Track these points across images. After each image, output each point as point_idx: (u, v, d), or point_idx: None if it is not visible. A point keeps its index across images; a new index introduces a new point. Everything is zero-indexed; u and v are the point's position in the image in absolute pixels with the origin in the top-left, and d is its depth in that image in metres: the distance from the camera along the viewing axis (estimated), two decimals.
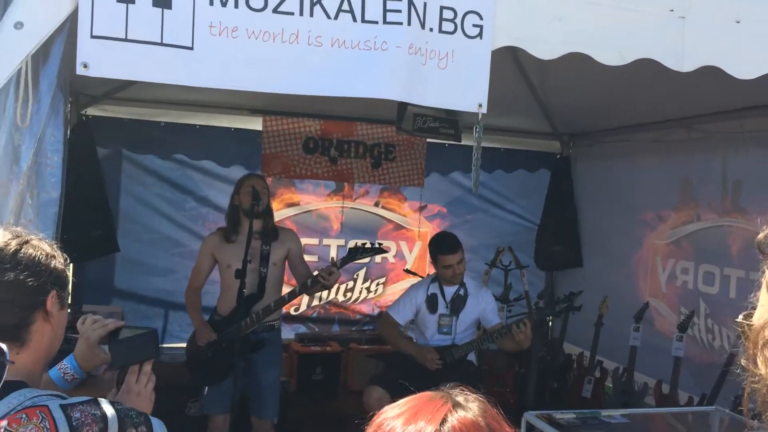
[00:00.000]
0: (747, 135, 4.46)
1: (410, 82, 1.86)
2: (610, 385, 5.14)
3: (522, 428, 3.03)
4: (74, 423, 1.22)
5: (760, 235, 0.89)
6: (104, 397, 1.36)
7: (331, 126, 5.70)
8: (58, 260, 1.40)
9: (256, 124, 5.52)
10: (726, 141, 4.64)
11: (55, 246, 1.42)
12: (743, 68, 2.17)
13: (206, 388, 3.76)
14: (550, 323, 6.18)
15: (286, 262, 3.92)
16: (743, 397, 0.88)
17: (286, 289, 3.95)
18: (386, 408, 0.88)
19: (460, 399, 0.86)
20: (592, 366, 5.26)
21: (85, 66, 1.72)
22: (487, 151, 6.15)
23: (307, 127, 5.63)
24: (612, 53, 2.09)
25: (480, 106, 1.96)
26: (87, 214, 4.99)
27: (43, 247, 1.38)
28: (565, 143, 6.33)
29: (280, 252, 3.82)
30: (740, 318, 0.90)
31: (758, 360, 0.84)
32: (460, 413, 0.82)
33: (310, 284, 3.65)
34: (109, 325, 1.61)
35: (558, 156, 6.38)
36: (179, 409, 4.84)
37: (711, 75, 2.23)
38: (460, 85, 1.91)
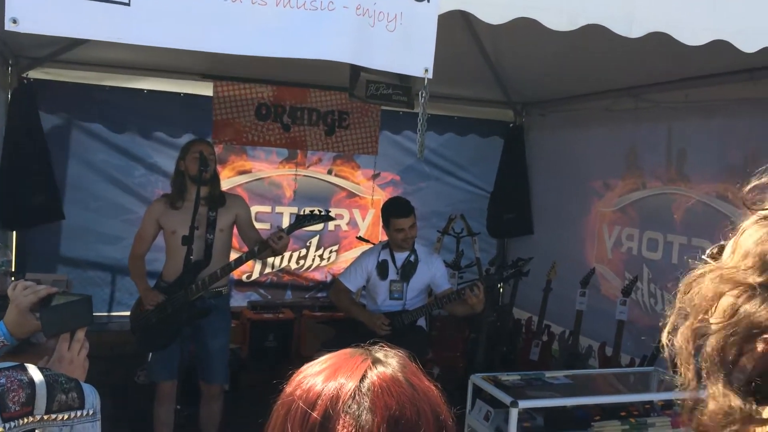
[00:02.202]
0: (691, 105, 4.56)
1: (359, 45, 1.83)
2: (557, 348, 5.29)
3: (469, 390, 3.10)
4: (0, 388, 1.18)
5: (748, 186, 0.82)
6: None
7: (284, 92, 5.61)
8: None
9: (206, 89, 5.40)
10: (671, 110, 4.74)
11: None
12: (691, 35, 2.20)
13: (150, 354, 3.72)
14: (501, 289, 6.29)
15: (235, 229, 3.88)
16: (662, 343, 0.87)
17: (234, 256, 3.91)
18: (306, 365, 0.89)
19: (380, 355, 0.86)
20: (539, 330, 5.40)
21: (15, 21, 1.64)
22: (440, 118, 6.25)
23: (259, 93, 5.53)
24: (561, 18, 2.09)
25: (426, 70, 1.94)
26: (28, 181, 4.84)
27: None
28: (518, 112, 6.38)
29: (227, 218, 3.77)
30: (706, 254, 0.85)
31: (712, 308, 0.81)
32: (380, 369, 0.83)
33: (258, 250, 3.63)
34: (41, 291, 1.57)
35: (511, 125, 6.44)
36: (128, 377, 4.80)
37: (659, 44, 2.26)
38: (408, 48, 1.89)
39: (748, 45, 2.22)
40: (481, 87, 5.82)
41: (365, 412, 0.78)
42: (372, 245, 4.35)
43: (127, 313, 3.97)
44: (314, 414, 0.80)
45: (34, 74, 5.00)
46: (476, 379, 3.08)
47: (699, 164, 4.59)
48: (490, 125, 6.43)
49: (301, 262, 6.09)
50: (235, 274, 5.67)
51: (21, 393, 1.20)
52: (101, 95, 5.25)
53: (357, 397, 0.80)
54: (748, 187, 0.81)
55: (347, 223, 6.16)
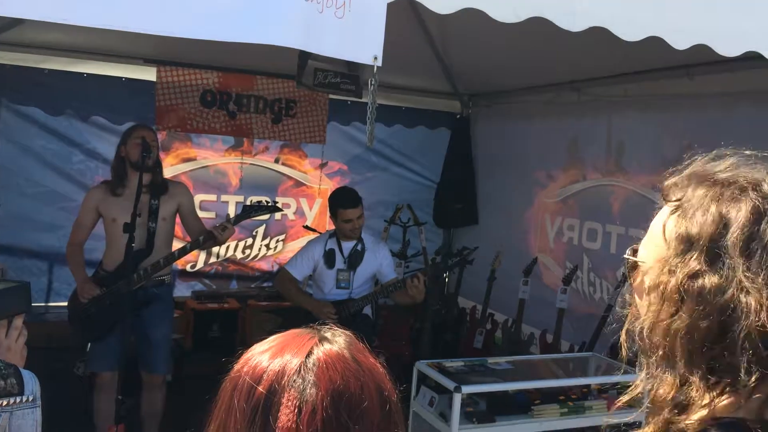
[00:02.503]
0: (630, 99, 4.72)
1: (306, 31, 1.82)
2: (500, 336, 5.40)
3: (414, 377, 3.14)
4: None
5: (668, 180, 0.94)
6: None
7: (229, 79, 5.53)
8: None
9: (150, 74, 5.27)
10: (611, 104, 4.89)
11: None
12: (629, 31, 2.27)
13: (89, 344, 3.63)
14: (446, 279, 6.38)
15: (178, 218, 3.81)
16: (621, 339, 0.94)
17: (178, 244, 3.85)
18: (255, 345, 0.90)
19: (327, 334, 0.88)
20: (483, 318, 5.50)
21: None
22: (388, 109, 6.27)
23: (204, 80, 5.44)
24: (506, 10, 2.12)
25: (375, 58, 1.95)
26: None
27: None
28: (464, 103, 6.45)
29: (169, 206, 3.70)
30: (627, 252, 0.95)
31: (643, 295, 0.90)
32: (326, 346, 0.85)
33: (202, 240, 3.58)
34: None
35: (458, 116, 6.50)
36: (67, 368, 4.67)
37: (600, 39, 2.32)
38: (357, 36, 1.89)
39: (681, 42, 2.30)
40: (429, 77, 5.87)
41: (309, 386, 0.80)
42: (319, 234, 4.35)
43: (65, 304, 3.86)
44: (260, 388, 0.81)
45: None
46: (421, 365, 3.13)
47: (636, 157, 4.74)
48: (437, 116, 6.48)
49: (247, 251, 6.03)
50: (179, 263, 5.57)
51: None
52: (39, 78, 5.05)
53: (302, 372, 0.81)
54: (667, 182, 0.91)
55: (294, 213, 6.13)
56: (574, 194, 5.26)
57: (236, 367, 0.86)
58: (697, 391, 0.82)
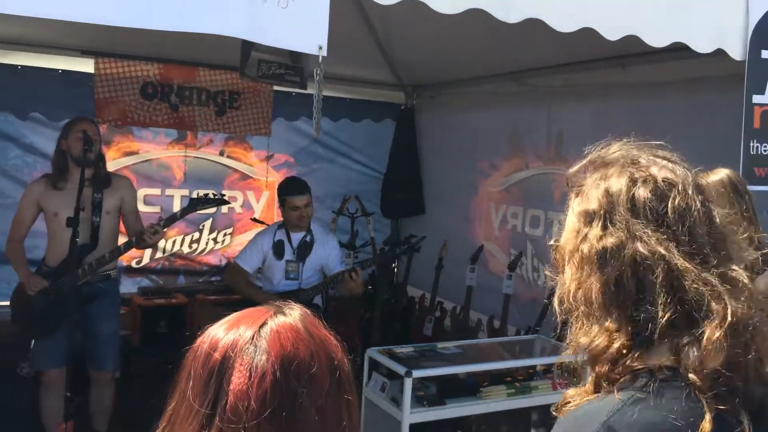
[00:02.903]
0: (568, 89, 4.86)
1: (249, 20, 1.83)
2: (449, 324, 5.50)
3: (365, 364, 3.19)
4: None
5: (570, 170, 1.13)
6: None
7: (170, 71, 5.43)
8: None
9: (87, 66, 5.14)
10: (550, 94, 5.02)
11: None
12: (562, 22, 2.36)
13: (33, 342, 3.55)
14: (395, 269, 6.44)
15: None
16: (553, 303, 1.07)
17: (123, 239, 3.79)
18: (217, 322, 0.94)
19: (283, 309, 0.92)
20: (432, 306, 5.60)
21: None
22: (333, 100, 6.27)
23: (144, 71, 5.33)
24: (445, 3, 2.18)
25: (320, 48, 1.97)
26: None
27: None
28: (409, 94, 6.51)
29: (113, 200, 3.64)
30: (552, 241, 1.12)
31: (566, 268, 1.05)
32: (280, 318, 0.89)
33: (135, 242, 3.56)
34: None
35: (402, 107, 6.56)
36: (10, 368, 4.55)
37: (539, 31, 2.40)
38: (301, 25, 1.91)
39: (612, 33, 2.40)
40: (373, 69, 5.90)
41: (261, 353, 0.84)
42: (267, 226, 4.35)
43: (6, 304, 3.76)
44: (216, 355, 0.86)
45: None
46: (372, 352, 3.18)
47: (575, 145, 4.85)
48: (382, 107, 6.52)
49: (194, 245, 5.96)
50: (124, 259, 5.47)
51: None
52: None
53: (255, 340, 0.86)
54: (570, 171, 1.11)
55: (241, 206, 6.08)
56: (517, 183, 5.39)
57: (196, 342, 0.90)
58: (621, 341, 0.96)
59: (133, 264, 5.73)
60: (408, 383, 2.82)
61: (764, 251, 1.48)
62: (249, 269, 3.92)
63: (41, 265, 3.64)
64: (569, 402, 1.02)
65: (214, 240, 6.01)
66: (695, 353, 0.91)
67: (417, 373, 2.89)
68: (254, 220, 5.63)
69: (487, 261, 5.57)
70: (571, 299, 1.02)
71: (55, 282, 3.47)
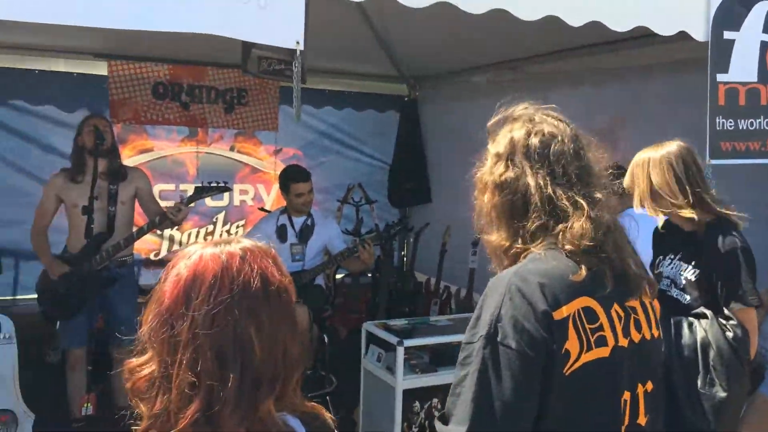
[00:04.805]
0: (562, 75, 5.01)
1: (232, 19, 2.04)
2: (453, 307, 5.70)
3: (363, 337, 3.41)
4: None
5: (489, 123, 1.55)
6: None
7: (180, 71, 5.69)
8: None
9: (101, 68, 5.41)
10: (546, 80, 5.17)
11: None
12: (527, 11, 2.54)
13: (58, 323, 3.83)
14: (405, 257, 6.64)
15: (137, 202, 4.01)
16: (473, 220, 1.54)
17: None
18: None
19: (225, 242, 1.16)
20: (437, 290, 5.80)
21: None
22: (337, 94, 6.48)
23: (155, 72, 5.59)
24: None
25: (297, 43, 2.19)
26: None
27: None
28: (411, 86, 6.69)
29: (128, 191, 3.91)
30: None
31: (480, 194, 1.50)
32: (209, 249, 1.13)
33: (158, 221, 3.79)
34: None
35: (405, 98, 6.75)
36: (37, 358, 4.83)
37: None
38: (279, 23, 2.13)
39: (576, 20, 2.58)
40: (375, 63, 6.08)
41: (184, 269, 1.10)
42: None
43: (32, 297, 4.04)
44: (170, 264, 1.14)
45: None
46: (368, 325, 3.39)
47: None
48: (386, 100, 6.72)
49: (209, 237, 6.21)
50: (143, 252, 5.75)
51: None
52: None
53: (186, 260, 1.12)
54: (491, 122, 1.53)
55: (252, 198, 6.33)
56: None
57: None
58: (510, 241, 1.41)
59: (152, 256, 6.01)
60: (400, 351, 3.03)
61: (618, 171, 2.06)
62: None
63: (63, 252, 3.92)
64: None
65: (228, 232, 6.26)
66: (569, 235, 1.34)
67: (408, 342, 3.09)
68: (262, 209, 5.87)
69: None
70: (482, 214, 1.46)
71: (75, 268, 3.74)
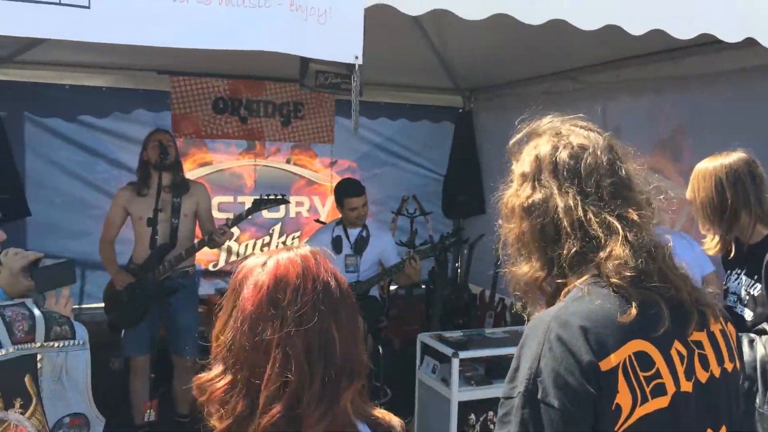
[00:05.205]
0: (621, 84, 4.92)
1: (293, 36, 2.09)
2: (508, 319, 5.63)
3: (418, 348, 3.40)
4: (7, 319, 1.45)
5: (511, 142, 1.41)
6: None
7: (239, 85, 5.83)
8: None
9: (164, 84, 5.59)
10: (604, 90, 5.09)
11: None
12: (586, 21, 2.50)
13: (123, 331, 3.96)
14: (459, 268, 6.61)
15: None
16: (497, 245, 1.39)
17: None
18: None
19: (292, 248, 1.19)
20: (492, 302, 5.74)
21: None
22: (392, 106, 6.51)
23: (215, 87, 5.75)
24: (474, 10, 2.37)
25: (356, 57, 2.22)
26: None
27: None
28: (466, 98, 6.68)
29: (190, 204, 4.03)
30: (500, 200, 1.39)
31: (507, 219, 1.34)
32: (284, 254, 1.18)
33: (207, 240, 3.91)
34: (30, 255, 1.82)
35: (460, 110, 6.74)
36: (102, 365, 4.99)
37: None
38: (338, 38, 2.16)
39: (637, 29, 2.53)
40: (430, 75, 6.09)
41: (263, 274, 1.13)
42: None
43: (98, 305, 4.20)
44: (239, 276, 1.17)
45: None
46: (423, 336, 3.38)
47: (632, 140, 4.88)
48: (440, 111, 6.72)
49: (266, 249, 6.32)
50: (202, 263, 5.89)
51: (24, 323, 1.47)
52: (61, 93, 5.38)
53: (263, 266, 1.13)
54: (512, 141, 1.38)
55: (308, 210, 6.41)
56: None
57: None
58: (544, 272, 1.25)
59: (210, 267, 6.16)
60: (455, 363, 3.01)
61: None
62: None
63: (129, 263, 4.07)
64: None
65: (284, 243, 6.35)
66: (611, 265, 1.17)
67: (463, 354, 3.07)
68: (318, 221, 5.94)
69: None
70: (510, 242, 1.32)
71: (139, 278, 3.87)
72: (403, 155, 6.67)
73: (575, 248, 1.20)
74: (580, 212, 1.21)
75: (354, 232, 4.15)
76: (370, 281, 4.08)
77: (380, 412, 1.20)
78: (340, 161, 6.43)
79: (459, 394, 3.03)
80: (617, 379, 1.10)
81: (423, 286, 6.01)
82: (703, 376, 1.20)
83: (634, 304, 1.14)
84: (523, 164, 1.33)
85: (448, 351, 3.08)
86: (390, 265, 4.07)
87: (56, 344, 1.54)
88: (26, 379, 1.48)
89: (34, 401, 1.50)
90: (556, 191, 1.24)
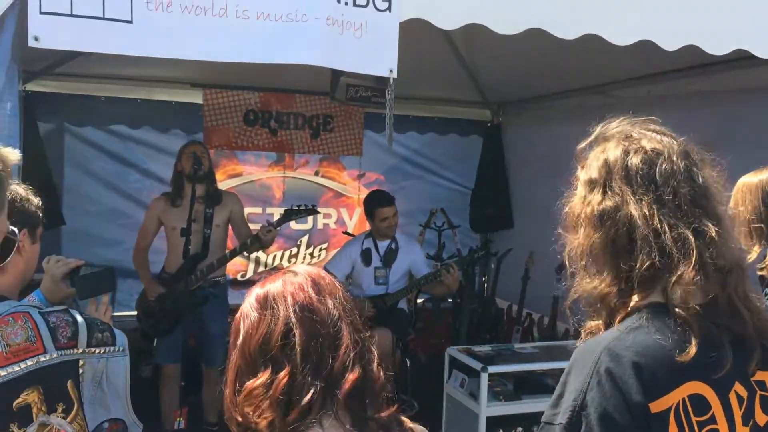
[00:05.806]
0: (652, 99, 4.88)
1: (329, 50, 2.13)
2: (536, 335, 5.58)
3: (446, 362, 3.39)
4: (51, 325, 1.49)
5: (579, 146, 1.31)
6: None
7: (270, 98, 5.91)
8: (31, 203, 1.66)
9: (196, 97, 5.69)
10: (635, 105, 5.00)
11: (29, 190, 1.67)
12: (619, 36, 2.51)
13: (155, 339, 4.01)
14: (486, 282, 6.58)
15: (230, 224, 4.18)
16: (564, 260, 1.29)
17: None
18: None
19: (294, 270, 1.22)
20: (519, 317, 5.70)
21: (36, 39, 1.93)
22: (420, 119, 6.53)
23: (246, 100, 5.83)
24: (507, 24, 2.39)
25: (391, 71, 2.25)
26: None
27: (18, 191, 1.63)
28: (495, 111, 6.68)
29: (222, 214, 4.08)
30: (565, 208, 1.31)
31: (574, 229, 1.25)
32: (290, 276, 1.20)
33: (249, 243, 3.93)
34: (71, 263, 1.87)
35: (489, 124, 6.74)
36: (133, 371, 5.04)
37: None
38: (374, 52, 2.20)
39: (671, 44, 2.52)
40: (459, 89, 6.12)
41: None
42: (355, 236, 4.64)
43: (129, 313, 4.26)
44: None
45: (31, 87, 5.24)
46: (452, 350, 3.38)
47: None
48: (469, 124, 6.73)
49: (293, 260, 6.36)
50: (231, 273, 5.95)
51: (67, 329, 1.51)
52: (97, 105, 5.49)
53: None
54: (580, 146, 1.30)
55: (335, 222, 6.44)
56: None
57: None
58: (615, 287, 1.15)
59: (239, 277, 6.21)
60: (484, 378, 3.00)
61: None
62: (339, 276, 4.22)
63: (161, 271, 4.14)
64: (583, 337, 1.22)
65: (311, 254, 6.39)
66: (679, 292, 1.08)
67: (493, 369, 3.06)
68: (346, 233, 5.97)
69: None
70: (577, 254, 1.22)
71: (171, 287, 3.93)
72: (430, 168, 6.69)
73: (648, 262, 1.11)
74: (656, 222, 1.11)
75: (383, 245, 4.16)
76: (399, 293, 4.08)
77: (412, 423, 1.19)
78: (368, 174, 6.46)
79: (487, 409, 3.02)
80: (668, 423, 1.04)
81: (450, 300, 5.99)
82: (762, 419, 1.12)
83: (694, 341, 1.06)
84: (590, 170, 1.24)
85: (477, 365, 3.07)
86: (428, 273, 4.07)
87: (97, 350, 1.58)
88: (68, 384, 1.52)
89: (75, 406, 1.53)
90: (630, 198, 1.15)
